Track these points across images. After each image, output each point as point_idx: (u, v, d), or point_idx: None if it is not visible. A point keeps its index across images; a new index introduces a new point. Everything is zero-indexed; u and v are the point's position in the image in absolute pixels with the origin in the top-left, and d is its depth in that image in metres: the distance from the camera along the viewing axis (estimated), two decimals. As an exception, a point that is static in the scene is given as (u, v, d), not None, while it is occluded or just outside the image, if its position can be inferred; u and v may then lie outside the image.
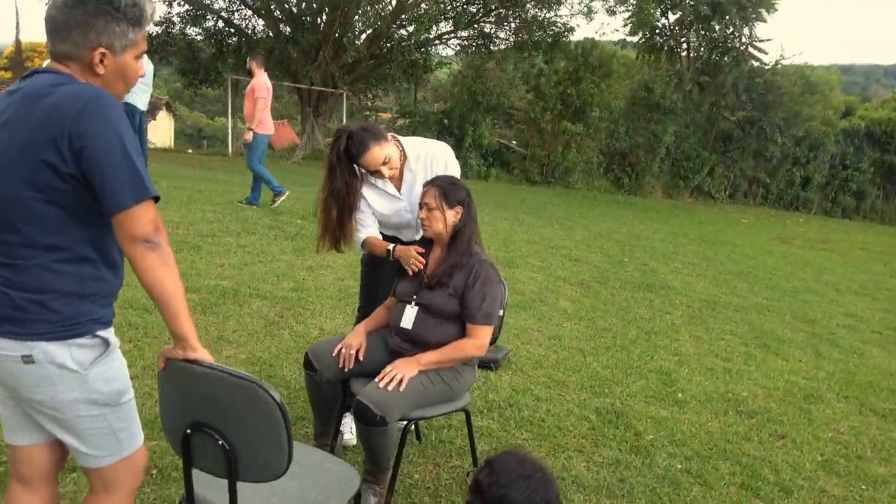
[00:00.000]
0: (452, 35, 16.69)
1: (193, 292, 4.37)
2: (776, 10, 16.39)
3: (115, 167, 1.34)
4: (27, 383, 1.43)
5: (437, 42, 16.94)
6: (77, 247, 1.41)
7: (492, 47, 16.66)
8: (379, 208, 2.72)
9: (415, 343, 2.42)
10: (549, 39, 15.55)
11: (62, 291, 1.41)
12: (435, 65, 17.71)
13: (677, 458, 3.01)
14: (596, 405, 3.48)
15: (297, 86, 15.72)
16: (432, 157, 2.70)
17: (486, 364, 3.73)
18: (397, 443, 2.35)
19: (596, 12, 16.10)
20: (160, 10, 23.47)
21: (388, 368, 2.31)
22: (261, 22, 16.14)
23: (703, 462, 3.00)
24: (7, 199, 1.38)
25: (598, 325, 4.93)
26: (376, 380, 2.29)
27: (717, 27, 16.31)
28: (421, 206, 2.47)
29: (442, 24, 16.19)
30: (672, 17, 16.99)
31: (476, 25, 16.42)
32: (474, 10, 15.89)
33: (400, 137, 2.71)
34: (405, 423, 2.36)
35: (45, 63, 1.73)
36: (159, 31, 15.23)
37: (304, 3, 15.26)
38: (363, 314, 2.81)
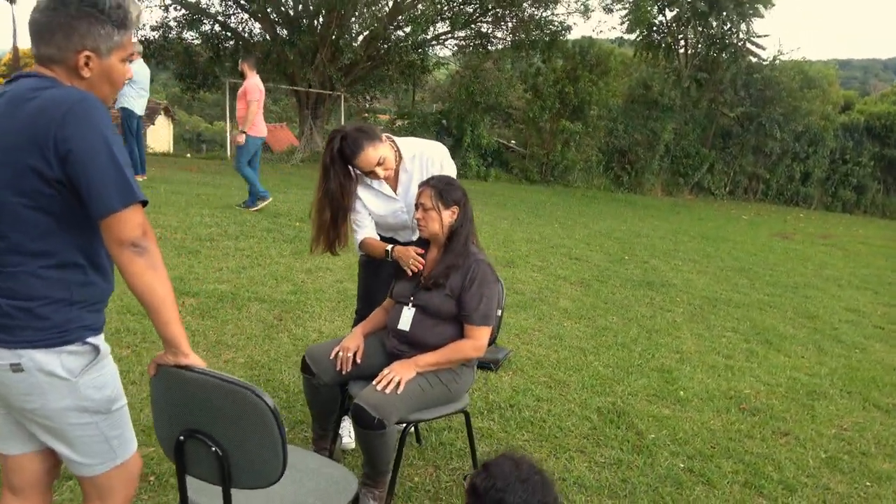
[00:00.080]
0: (449, 35, 16.66)
1: (192, 296, 4.35)
2: (773, 5, 16.34)
3: (102, 171, 1.32)
4: (17, 392, 1.41)
5: (434, 43, 16.91)
6: (65, 252, 1.39)
7: (489, 47, 16.63)
8: (375, 209, 2.70)
9: (412, 345, 2.40)
10: (547, 38, 15.51)
11: (51, 298, 1.39)
12: (432, 65, 17.68)
13: (680, 457, 2.99)
14: (597, 405, 3.45)
15: (295, 88, 15.69)
16: (428, 158, 2.68)
17: (486, 365, 3.71)
18: (396, 446, 2.33)
19: (593, 10, 16.07)
20: (156, 16, 23.50)
21: (386, 371, 2.29)
22: (257, 25, 16.13)
23: (706, 461, 2.98)
24: None
25: (599, 324, 4.90)
26: (374, 383, 2.27)
27: (714, 23, 16.26)
28: (417, 206, 2.45)
29: (439, 25, 16.15)
30: (669, 14, 16.94)
31: (473, 25, 16.38)
32: (471, 11, 15.86)
33: (395, 138, 2.69)
34: (404, 425, 2.34)
35: None
36: (156, 36, 15.22)
37: (300, 6, 15.23)
38: (361, 316, 2.79)
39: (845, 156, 17.94)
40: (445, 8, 15.70)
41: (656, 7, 16.46)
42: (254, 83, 7.09)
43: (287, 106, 28.40)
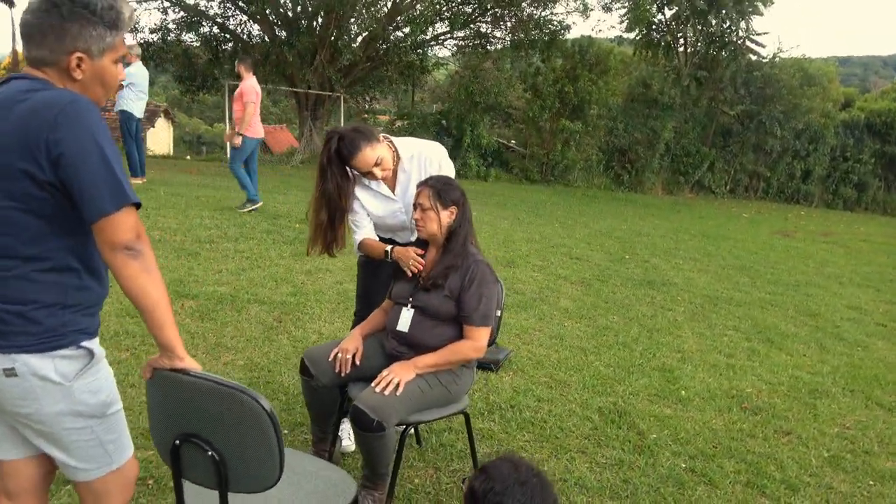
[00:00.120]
0: (448, 36, 16.64)
1: (191, 299, 4.34)
2: (772, 2, 16.35)
3: (93, 173, 1.31)
4: (10, 397, 1.40)
5: (433, 43, 16.90)
6: (58, 256, 1.38)
7: (488, 47, 16.62)
8: (374, 210, 2.69)
9: (411, 346, 2.39)
10: (546, 38, 15.50)
11: (44, 302, 1.38)
12: (432, 66, 17.68)
13: (681, 457, 2.97)
14: (598, 405, 3.44)
15: (294, 90, 15.69)
16: (426, 157, 2.67)
17: (486, 365, 3.70)
18: (396, 448, 2.31)
19: (592, 9, 16.07)
20: (155, 18, 23.49)
21: (385, 373, 2.28)
22: (256, 27, 16.13)
23: (708, 461, 2.96)
24: None
25: (600, 324, 4.89)
26: (373, 384, 2.26)
27: (713, 21, 16.25)
28: (415, 206, 2.44)
29: (438, 25, 16.15)
30: (668, 13, 16.95)
31: (472, 25, 16.38)
32: (470, 11, 15.86)
33: (393, 138, 2.67)
34: (404, 427, 2.32)
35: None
36: (155, 39, 15.23)
37: (299, 7, 15.22)
38: (360, 318, 2.77)
39: (846, 153, 17.92)
40: (444, 8, 15.69)
41: (655, 5, 16.45)
42: (250, 85, 7.08)
43: (287, 107, 28.41)
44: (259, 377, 3.38)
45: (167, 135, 28.37)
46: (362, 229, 2.68)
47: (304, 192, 8.63)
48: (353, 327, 2.72)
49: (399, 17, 15.56)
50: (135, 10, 1.46)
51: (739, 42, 16.66)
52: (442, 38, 16.72)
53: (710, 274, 7.11)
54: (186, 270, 4.92)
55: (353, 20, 15.25)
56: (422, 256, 2.47)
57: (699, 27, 16.61)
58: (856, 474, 2.99)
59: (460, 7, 15.74)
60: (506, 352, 3.94)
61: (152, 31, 15.23)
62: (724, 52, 16.60)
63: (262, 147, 7.68)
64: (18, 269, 1.35)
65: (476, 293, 2.35)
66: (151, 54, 14.69)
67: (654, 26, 17.09)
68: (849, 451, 3.20)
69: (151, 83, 8.90)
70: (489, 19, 16.42)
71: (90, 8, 1.36)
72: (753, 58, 17.03)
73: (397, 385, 2.23)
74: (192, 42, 15.92)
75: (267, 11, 14.92)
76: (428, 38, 16.21)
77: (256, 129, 7.25)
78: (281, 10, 15.30)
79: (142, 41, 14.68)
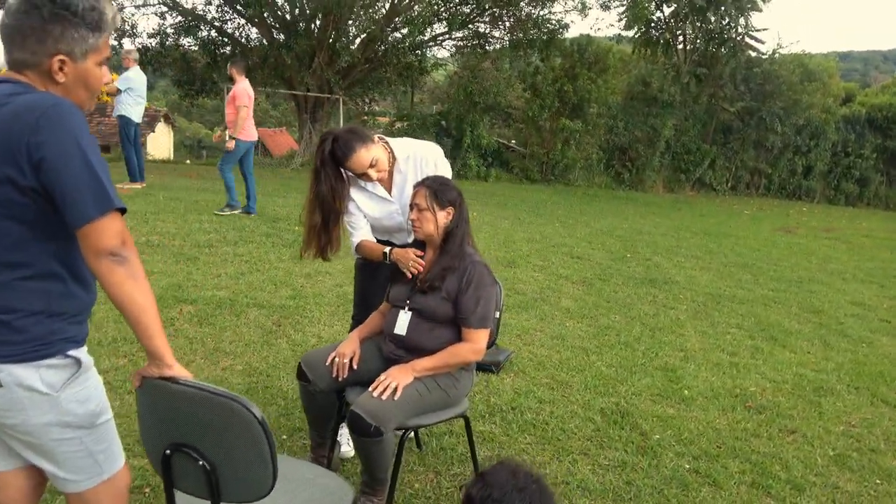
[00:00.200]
0: (447, 36, 16.62)
1: (190, 303, 4.31)
2: (771, -2, 16.29)
3: (76, 178, 1.28)
4: (-4, 408, 1.37)
5: (431, 44, 16.88)
6: (42, 263, 1.35)
7: (487, 47, 16.60)
8: (370, 212, 2.66)
9: (409, 349, 2.36)
10: (545, 37, 15.47)
11: (28, 310, 1.34)
12: (430, 66, 17.64)
13: (685, 458, 2.93)
14: (600, 405, 3.40)
15: (293, 92, 15.68)
16: (422, 158, 2.64)
17: (487, 367, 3.66)
18: (395, 452, 2.28)
19: (590, 8, 16.04)
20: (153, 23, 23.50)
21: (382, 377, 2.25)
22: (254, 30, 16.12)
23: (712, 461, 2.93)
24: None
25: (602, 323, 4.85)
26: (370, 389, 2.22)
27: (712, 18, 16.18)
28: (411, 207, 2.40)
29: (436, 26, 16.12)
30: (667, 10, 16.88)
31: (470, 26, 16.35)
32: (468, 11, 15.83)
33: (388, 139, 2.64)
34: (403, 431, 2.29)
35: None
36: (153, 43, 15.24)
37: (296, 10, 15.21)
38: (358, 321, 2.74)
39: (847, 148, 17.83)
40: (442, 9, 15.67)
41: (654, 3, 16.41)
42: (242, 88, 7.05)
43: (286, 110, 28.41)
44: (258, 382, 3.35)
45: (167, 139, 28.40)
46: (359, 231, 2.65)
47: (303, 195, 8.55)
48: (350, 331, 2.69)
49: (397, 18, 15.54)
50: (124, 12, 1.42)
51: (739, 38, 16.59)
52: (440, 38, 16.70)
53: (712, 272, 7.07)
54: (185, 275, 4.90)
55: (351, 22, 15.23)
56: (420, 258, 2.43)
57: (698, 24, 16.55)
58: (862, 473, 2.95)
59: (458, 7, 15.72)
60: (506, 353, 3.91)
61: (150, 36, 15.29)
62: (723, 49, 16.54)
63: (262, 150, 7.65)
64: (1, 276, 1.32)
65: (474, 295, 2.31)
66: (149, 59, 14.69)
67: (652, 24, 17.04)
68: (855, 450, 3.16)
69: (150, 87, 8.89)
70: (487, 19, 16.39)
71: (71, 9, 1.33)
72: (753, 54, 16.97)
73: (395, 389, 2.20)
74: (190, 46, 15.93)
75: (265, 14, 14.92)
76: (426, 38, 16.20)
77: (250, 132, 7.23)
78: (278, 12, 15.29)
79: (140, 46, 14.70)
